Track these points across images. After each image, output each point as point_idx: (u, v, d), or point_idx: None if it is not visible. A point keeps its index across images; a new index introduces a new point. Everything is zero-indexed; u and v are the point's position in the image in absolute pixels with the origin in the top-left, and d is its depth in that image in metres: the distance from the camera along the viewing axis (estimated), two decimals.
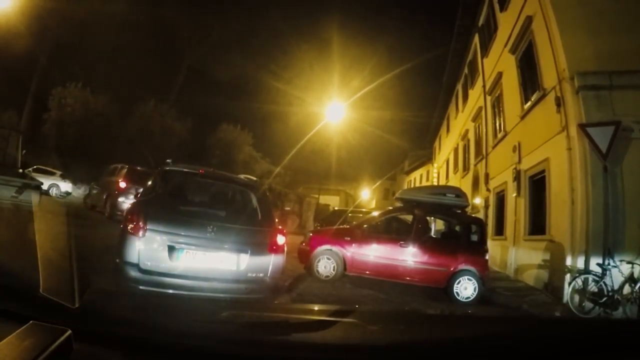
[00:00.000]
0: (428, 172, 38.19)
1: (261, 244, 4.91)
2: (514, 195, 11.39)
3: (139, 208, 4.76)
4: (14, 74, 25.65)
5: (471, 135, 18.21)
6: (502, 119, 13.53)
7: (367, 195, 46.28)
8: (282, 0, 54.16)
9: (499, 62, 14.26)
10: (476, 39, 18.58)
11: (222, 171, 6.18)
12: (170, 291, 4.34)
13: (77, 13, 25.76)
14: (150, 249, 4.39)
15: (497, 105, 14.24)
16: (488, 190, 14.25)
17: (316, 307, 2.65)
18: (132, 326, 1.29)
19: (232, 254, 4.68)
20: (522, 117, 11.39)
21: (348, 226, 8.91)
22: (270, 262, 4.91)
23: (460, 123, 21.51)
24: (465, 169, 19.12)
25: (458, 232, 8.53)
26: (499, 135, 13.62)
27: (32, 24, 23.38)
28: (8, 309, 1.18)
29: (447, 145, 26.50)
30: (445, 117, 27.68)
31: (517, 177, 11.26)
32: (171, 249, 4.44)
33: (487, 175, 14.60)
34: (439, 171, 29.03)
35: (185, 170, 5.52)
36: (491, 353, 1.39)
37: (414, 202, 8.60)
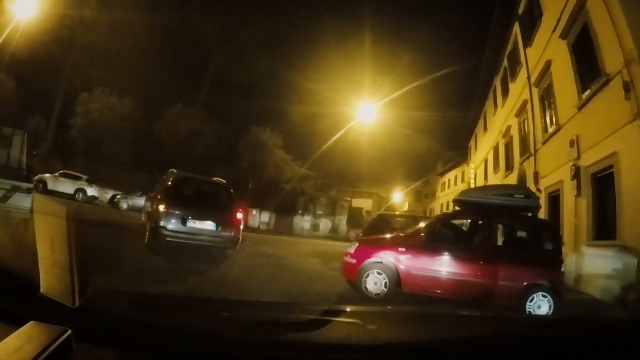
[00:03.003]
0: (463, 174, 36.75)
1: (228, 217, 8.77)
2: (574, 195, 10.15)
3: (164, 198, 8.52)
4: (42, 81, 25.99)
5: (515, 132, 16.90)
6: (553, 112, 12.28)
7: (399, 198, 44.86)
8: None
9: (546, 50, 13.04)
10: (516, 28, 17.36)
11: (206, 177, 10.36)
12: (182, 241, 8.15)
13: (103, 20, 25.92)
14: (171, 219, 8.11)
15: (547, 97, 12.98)
16: (538, 190, 12.95)
17: (316, 307, 2.57)
18: (132, 326, 1.31)
19: (213, 222, 8.46)
20: (580, 108, 10.16)
21: (401, 234, 7.61)
22: (234, 227, 8.80)
23: (500, 120, 20.19)
24: (509, 168, 17.78)
25: (526, 240, 7.33)
26: (551, 130, 12.36)
27: (58, 32, 23.58)
28: (8, 309, 1.18)
29: (485, 144, 25.11)
30: (482, 115, 26.32)
31: (576, 174, 10.02)
32: (182, 219, 8.19)
33: (536, 175, 13.33)
34: (476, 172, 27.59)
35: (187, 176, 9.72)
36: (491, 353, 1.38)
37: (478, 205, 7.33)
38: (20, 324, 1.11)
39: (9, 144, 7.20)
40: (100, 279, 4.09)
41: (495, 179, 20.88)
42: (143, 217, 10.75)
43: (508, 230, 8.21)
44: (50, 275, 1.29)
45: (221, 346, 1.28)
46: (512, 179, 16.54)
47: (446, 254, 6.84)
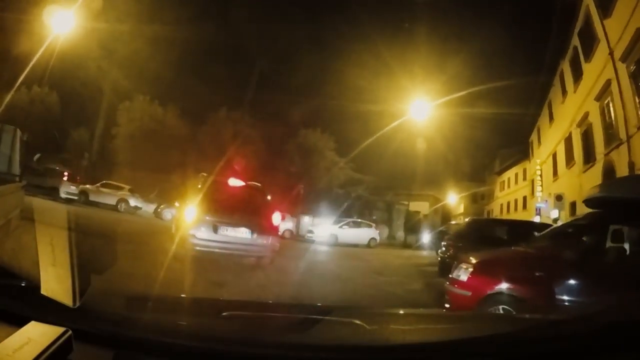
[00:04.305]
0: (525, 171, 33.88)
1: (264, 223, 8.02)
2: None
3: (193, 203, 7.75)
4: (84, 92, 26.18)
5: (595, 118, 14.57)
6: None
7: (454, 199, 42.23)
8: None
9: (633, 17, 10.92)
10: (587, 0, 15.12)
11: (239, 180, 9.05)
12: (213, 250, 7.48)
13: (145, 29, 25.79)
14: (201, 226, 7.48)
15: None
16: None
17: (316, 307, 2.59)
18: (132, 326, 1.30)
19: (248, 229, 7.76)
20: None
21: (535, 248, 5.42)
22: (270, 235, 8.09)
23: (571, 107, 17.79)
24: (589, 160, 15.38)
25: None
26: None
27: (98, 44, 23.65)
28: (8, 309, 1.18)
29: (551, 137, 22.55)
30: (546, 105, 23.79)
31: None
32: (214, 226, 7.55)
33: (632, 165, 11.13)
34: (541, 167, 24.91)
35: (218, 179, 8.72)
36: (491, 353, 1.36)
37: (633, 202, 4.77)
38: (20, 324, 1.10)
39: None
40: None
41: (568, 175, 18.47)
42: (173, 227, 9.74)
43: None
44: (50, 275, 1.28)
45: (221, 346, 1.26)
46: (595, 173, 14.23)
47: (611, 277, 4.36)
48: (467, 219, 10.84)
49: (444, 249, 10.59)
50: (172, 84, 28.52)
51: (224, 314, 1.74)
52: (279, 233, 8.68)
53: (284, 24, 34.31)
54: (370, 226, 25.16)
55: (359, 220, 26.03)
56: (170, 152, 26.92)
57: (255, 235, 7.81)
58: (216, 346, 1.25)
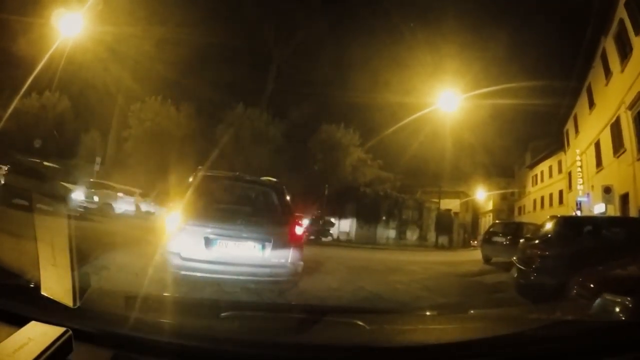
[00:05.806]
0: (560, 163, 31.89)
1: (282, 234, 5.77)
2: None
3: (179, 207, 5.74)
4: (96, 95, 25.66)
5: None
6: None
7: (482, 195, 40.37)
8: None
9: None
10: None
11: (245, 174, 7.29)
12: (207, 275, 5.36)
13: (156, 30, 25.17)
14: (188, 240, 5.38)
15: None
16: None
17: (316, 307, 2.54)
18: (132, 326, 1.29)
19: (257, 243, 5.58)
20: None
21: None
22: (290, 249, 5.76)
23: (618, 88, 16.02)
24: None
25: None
26: None
27: (108, 45, 23.11)
28: (8, 309, 1.18)
29: (592, 124, 20.69)
30: (584, 90, 21.93)
31: None
32: (207, 239, 5.39)
33: None
34: (581, 157, 23.02)
35: (216, 174, 6.70)
36: (492, 353, 1.34)
37: None
38: (20, 324, 1.10)
39: None
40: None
41: (616, 164, 16.67)
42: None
43: None
44: (50, 275, 1.27)
45: (221, 346, 1.26)
46: None
47: None
48: (551, 218, 7.27)
49: (522, 257, 7.60)
50: (187, 83, 27.65)
51: (224, 314, 1.74)
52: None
53: (303, 14, 32.99)
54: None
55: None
56: (185, 153, 26.02)
57: (268, 252, 5.57)
58: (216, 346, 1.25)
